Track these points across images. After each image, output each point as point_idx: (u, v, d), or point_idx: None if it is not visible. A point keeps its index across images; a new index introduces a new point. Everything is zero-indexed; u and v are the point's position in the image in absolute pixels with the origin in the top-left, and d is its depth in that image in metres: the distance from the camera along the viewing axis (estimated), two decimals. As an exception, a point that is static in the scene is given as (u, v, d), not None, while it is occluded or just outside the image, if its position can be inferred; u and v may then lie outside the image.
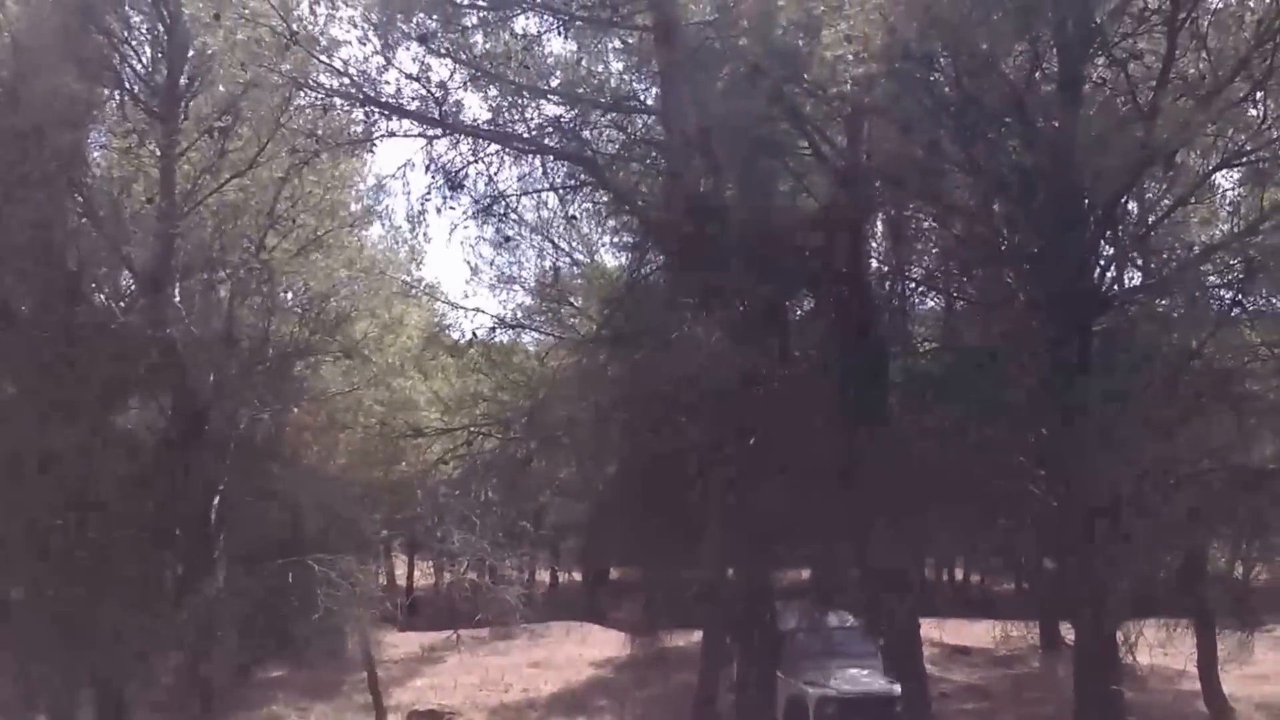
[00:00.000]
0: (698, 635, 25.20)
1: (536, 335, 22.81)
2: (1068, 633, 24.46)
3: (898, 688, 19.61)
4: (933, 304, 20.14)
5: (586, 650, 26.77)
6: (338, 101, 15.18)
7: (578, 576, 38.65)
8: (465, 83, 16.06)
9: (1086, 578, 13.87)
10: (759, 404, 15.93)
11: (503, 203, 18.40)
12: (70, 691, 16.90)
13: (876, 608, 20.36)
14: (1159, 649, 20.60)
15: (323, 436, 21.48)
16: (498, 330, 22.37)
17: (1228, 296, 16.49)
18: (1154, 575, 19.02)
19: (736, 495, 16.23)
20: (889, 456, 15.16)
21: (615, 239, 21.67)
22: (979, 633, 26.15)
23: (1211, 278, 16.36)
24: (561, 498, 24.00)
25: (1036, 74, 14.61)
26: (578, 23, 17.04)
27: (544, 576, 41.56)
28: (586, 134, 18.26)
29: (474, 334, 22.51)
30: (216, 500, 15.49)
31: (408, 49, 15.34)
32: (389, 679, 23.79)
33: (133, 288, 15.10)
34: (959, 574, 39.25)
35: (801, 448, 15.37)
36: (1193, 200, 16.42)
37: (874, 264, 18.24)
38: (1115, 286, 16.52)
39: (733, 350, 15.06)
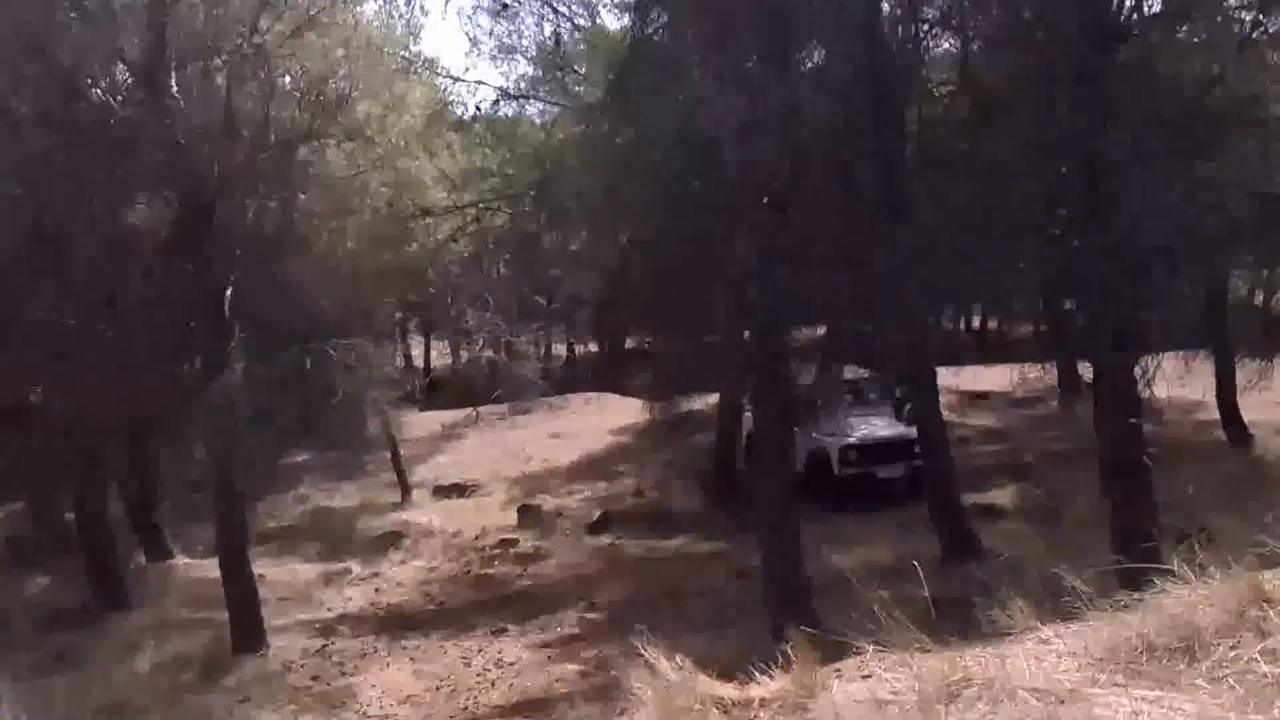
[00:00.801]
0: (714, 398, 25.51)
1: (542, 106, 22.19)
2: (1086, 373, 24.77)
3: (914, 431, 19.98)
4: (948, 46, 19.48)
5: (605, 419, 27.12)
6: None
7: (594, 348, 38.89)
8: None
9: (1107, 312, 13.74)
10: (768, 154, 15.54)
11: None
12: (98, 485, 17.24)
13: (891, 360, 20.56)
14: (1178, 381, 20.83)
15: (331, 222, 21.23)
16: (501, 102, 21.77)
17: (1248, 19, 16.00)
18: (1178, 306, 19.01)
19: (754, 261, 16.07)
20: (906, 208, 14.91)
21: (616, -1, 20.92)
22: (996, 377, 26.38)
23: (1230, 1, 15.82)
24: (574, 270, 23.79)
25: None
26: None
27: (560, 350, 41.93)
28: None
29: (478, 108, 21.95)
30: (229, 292, 15.29)
31: None
32: (412, 457, 24.20)
33: (129, 81, 14.52)
34: (976, 321, 39.42)
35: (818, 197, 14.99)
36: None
37: (885, 7, 17.50)
38: (1135, 15, 15.96)
39: (738, 101, 14.55)
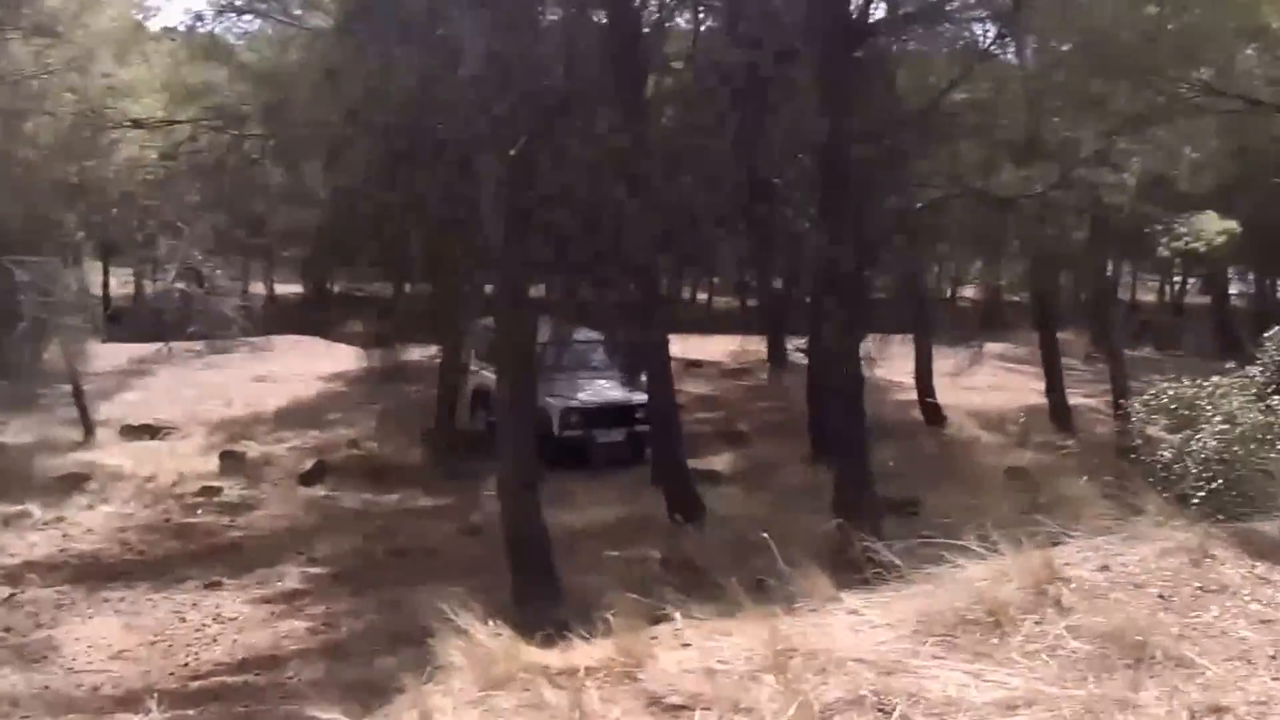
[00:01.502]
0: (430, 349, 24.87)
1: (275, 21, 20.58)
2: (792, 349, 25.80)
3: (638, 396, 20.11)
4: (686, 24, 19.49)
5: (313, 365, 25.89)
6: None
7: (297, 289, 36.97)
8: None
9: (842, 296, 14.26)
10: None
11: None
12: None
13: (620, 324, 20.53)
14: (879, 362, 21.97)
15: (12, 122, 19.22)
16: (223, 15, 20.05)
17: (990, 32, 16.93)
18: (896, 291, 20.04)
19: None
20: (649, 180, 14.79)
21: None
22: (709, 348, 27.00)
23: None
24: (292, 205, 22.47)
25: None
26: None
27: (258, 289, 39.56)
28: None
29: (199, 16, 20.23)
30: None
31: None
32: (95, 393, 22.27)
33: None
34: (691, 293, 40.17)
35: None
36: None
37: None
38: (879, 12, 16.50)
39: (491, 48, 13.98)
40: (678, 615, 5.70)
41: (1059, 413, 22.99)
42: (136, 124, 18.68)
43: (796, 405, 23.69)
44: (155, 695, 9.66)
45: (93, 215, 23.79)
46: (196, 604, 13.44)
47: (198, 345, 25.00)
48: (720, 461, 20.22)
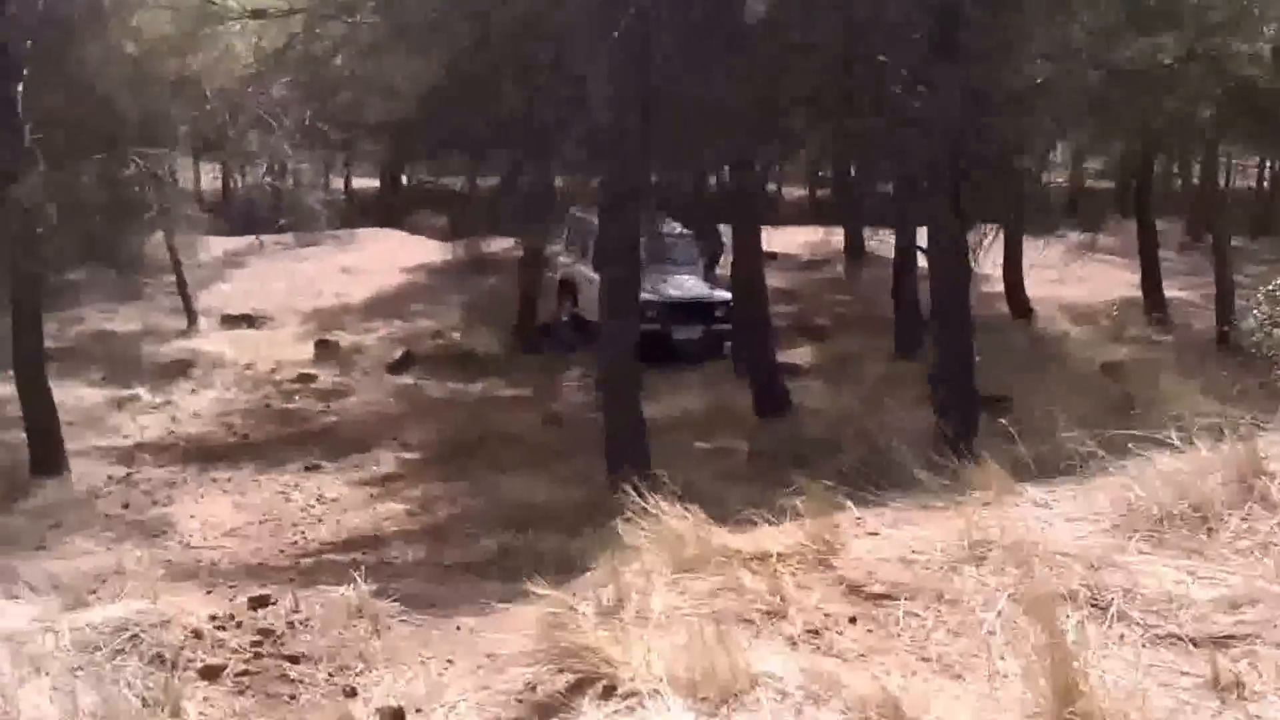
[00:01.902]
0: (509, 242, 25.28)
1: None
2: (871, 241, 25.82)
3: (719, 293, 20.37)
4: None
5: (396, 257, 26.47)
6: None
7: (373, 183, 37.36)
8: None
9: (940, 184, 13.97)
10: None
11: None
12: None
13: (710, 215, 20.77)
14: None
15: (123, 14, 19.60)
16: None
17: None
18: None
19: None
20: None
21: None
22: (783, 240, 27.09)
23: None
24: (381, 96, 22.73)
25: None
26: None
27: (337, 184, 40.18)
28: None
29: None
30: (21, 87, 13.98)
31: None
32: (193, 283, 23.00)
33: None
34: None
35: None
36: None
37: None
38: None
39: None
40: (848, 504, 5.78)
41: (1155, 306, 22.85)
42: (256, 14, 18.92)
43: (876, 298, 23.86)
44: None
45: (191, 110, 24.24)
46: (299, 485, 14.16)
47: (286, 238, 25.68)
48: (800, 355, 20.49)
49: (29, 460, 13.68)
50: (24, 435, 15.17)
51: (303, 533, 12.36)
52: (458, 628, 5.53)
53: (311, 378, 19.04)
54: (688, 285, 20.74)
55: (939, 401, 13.68)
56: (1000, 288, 24.12)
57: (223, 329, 21.68)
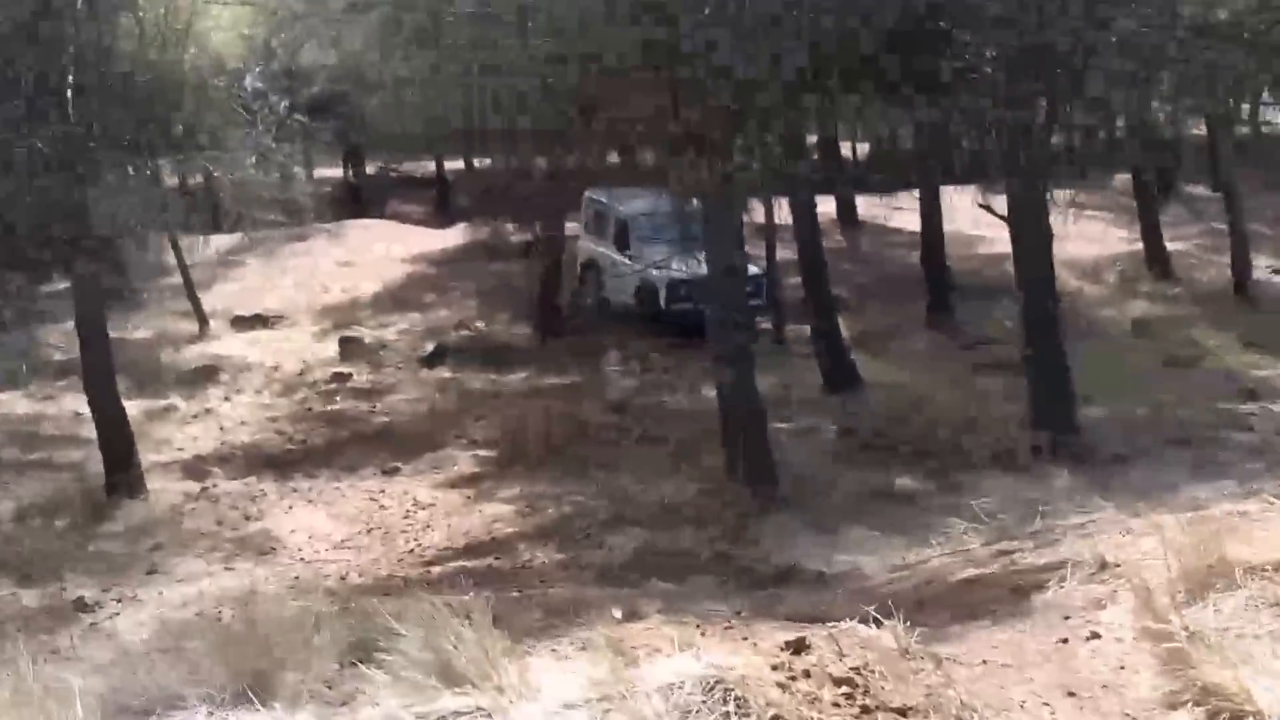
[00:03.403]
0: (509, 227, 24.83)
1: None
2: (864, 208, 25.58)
3: (751, 269, 20.03)
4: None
5: (392, 247, 25.71)
6: None
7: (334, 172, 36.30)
8: None
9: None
10: None
11: None
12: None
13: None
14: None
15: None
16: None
17: None
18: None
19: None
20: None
21: None
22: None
23: None
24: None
25: None
26: None
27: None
28: None
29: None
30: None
31: None
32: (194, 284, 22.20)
33: None
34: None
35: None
36: None
37: None
38: None
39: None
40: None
41: (1157, 259, 22.90)
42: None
43: (884, 267, 23.81)
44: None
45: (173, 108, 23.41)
46: (384, 490, 13.66)
47: (276, 232, 24.86)
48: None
49: (105, 480, 12.98)
50: (76, 454, 14.63)
51: (416, 540, 11.92)
52: (983, 661, 4.92)
53: (346, 377, 18.41)
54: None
55: (1031, 384, 13.58)
56: (999, 248, 24.06)
57: (236, 331, 20.88)
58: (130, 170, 13.18)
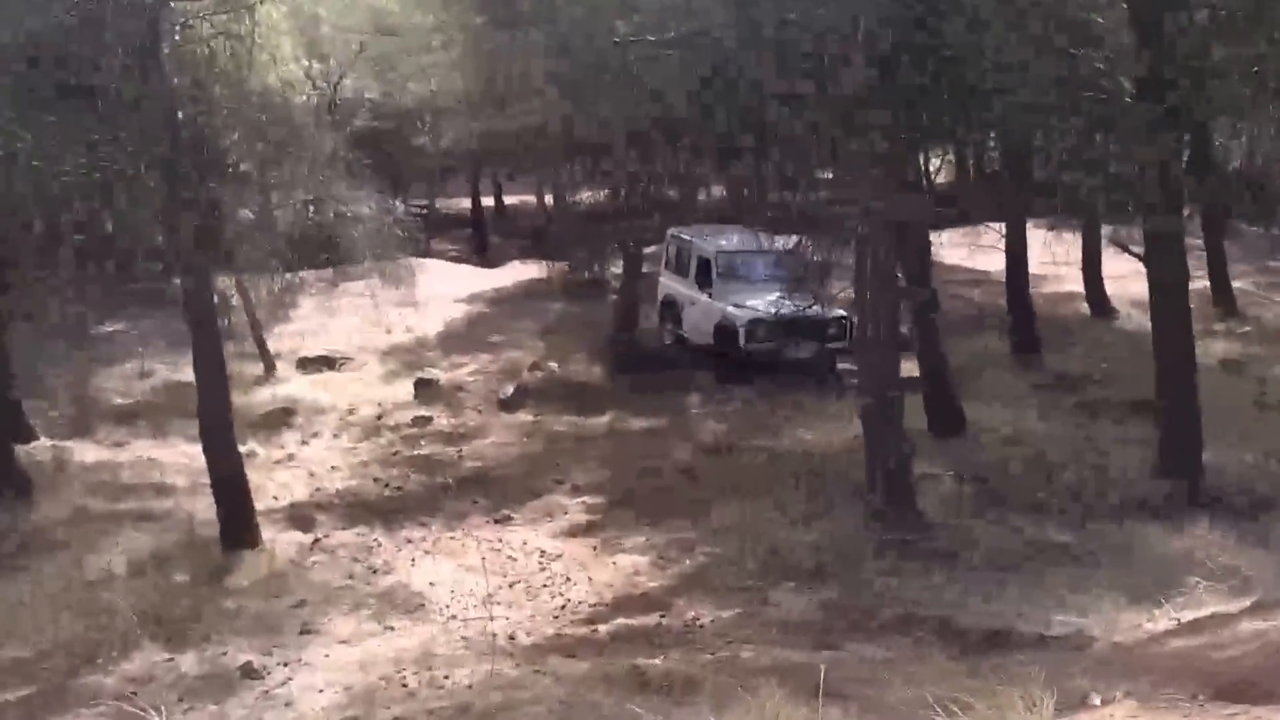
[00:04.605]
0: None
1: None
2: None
3: (833, 311, 19.57)
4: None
5: (446, 287, 25.18)
6: None
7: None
8: None
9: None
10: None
11: None
12: None
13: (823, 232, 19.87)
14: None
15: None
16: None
17: None
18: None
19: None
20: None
21: None
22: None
23: None
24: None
25: None
26: None
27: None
28: None
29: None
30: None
31: None
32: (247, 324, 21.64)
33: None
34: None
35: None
36: None
37: None
38: None
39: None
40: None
41: (1222, 296, 22.62)
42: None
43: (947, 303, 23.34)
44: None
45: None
46: (504, 539, 13.12)
47: (326, 273, 24.34)
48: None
49: (220, 532, 12.41)
50: (167, 503, 14.13)
51: (562, 594, 11.36)
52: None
53: (427, 420, 17.87)
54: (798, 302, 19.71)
55: (1163, 430, 13.19)
56: (1067, 286, 23.81)
57: (301, 373, 20.34)
58: (254, 207, 12.67)
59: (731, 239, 20.24)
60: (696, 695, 7.67)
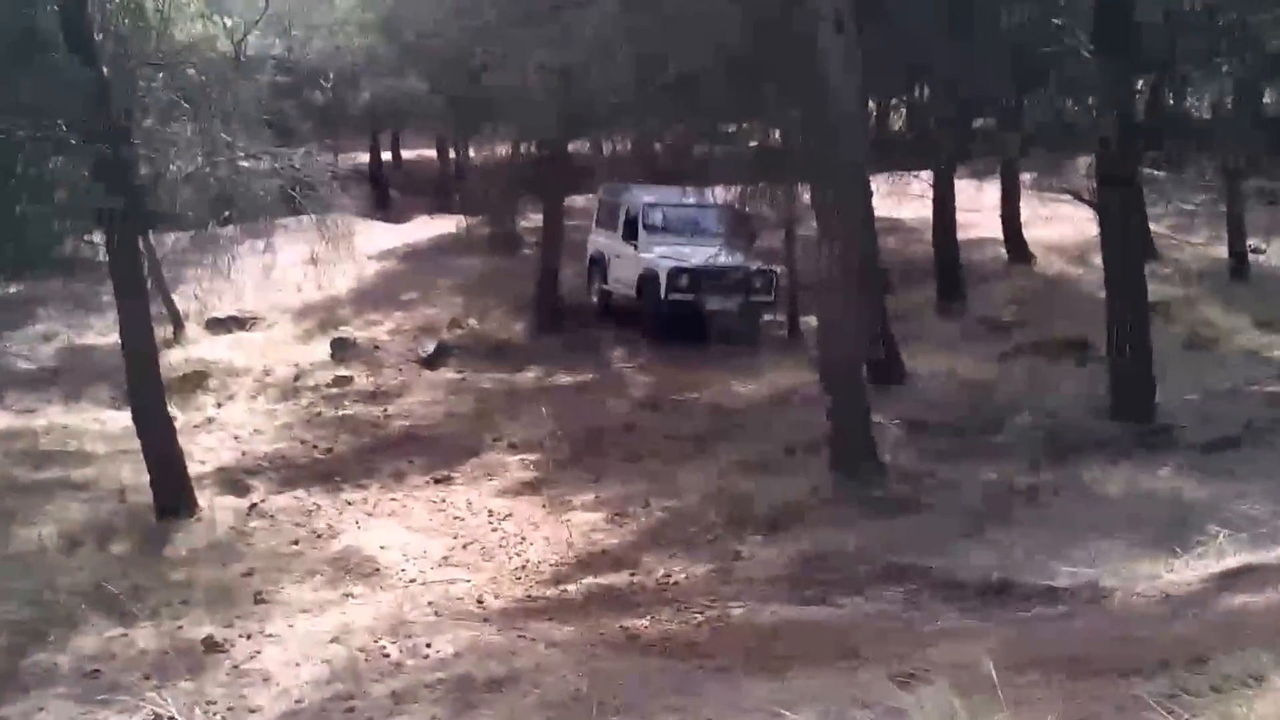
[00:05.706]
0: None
1: None
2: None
3: (756, 263, 19.48)
4: None
5: (355, 242, 24.37)
6: None
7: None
8: None
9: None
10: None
11: None
12: None
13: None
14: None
15: None
16: None
17: None
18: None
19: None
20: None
21: None
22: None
23: None
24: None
25: None
26: None
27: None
28: None
29: None
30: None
31: None
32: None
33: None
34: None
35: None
36: None
37: None
38: None
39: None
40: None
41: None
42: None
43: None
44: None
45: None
46: (448, 500, 12.79)
47: (230, 230, 23.39)
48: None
49: (154, 500, 11.82)
50: (90, 471, 13.47)
51: (520, 555, 11.04)
52: None
53: (347, 379, 17.38)
54: (720, 255, 19.50)
55: (1114, 373, 13.32)
56: (983, 232, 23.92)
57: (211, 334, 19.59)
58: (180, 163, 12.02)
59: (658, 192, 19.98)
60: (708, 658, 7.44)
